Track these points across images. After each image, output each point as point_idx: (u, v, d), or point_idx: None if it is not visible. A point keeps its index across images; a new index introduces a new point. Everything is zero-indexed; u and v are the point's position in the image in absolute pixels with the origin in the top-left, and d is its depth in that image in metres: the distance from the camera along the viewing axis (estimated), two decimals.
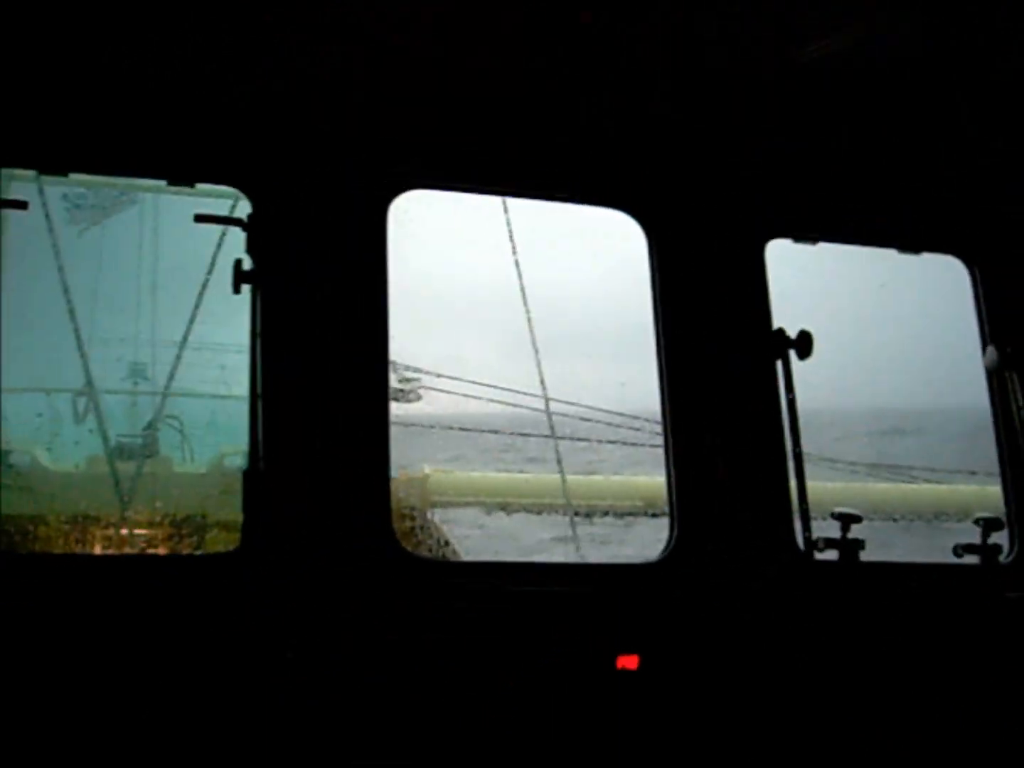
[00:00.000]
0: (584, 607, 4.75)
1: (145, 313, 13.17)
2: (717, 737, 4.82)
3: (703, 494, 4.98)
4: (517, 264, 9.30)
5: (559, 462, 9.64)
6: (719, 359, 5.10)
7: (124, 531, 10.23)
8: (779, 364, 5.17)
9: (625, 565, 4.96)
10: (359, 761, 4.37)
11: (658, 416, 5.18)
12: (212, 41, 4.28)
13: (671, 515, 4.99)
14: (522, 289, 9.38)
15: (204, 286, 9.57)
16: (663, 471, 5.09)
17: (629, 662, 4.68)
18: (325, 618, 4.43)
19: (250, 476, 4.49)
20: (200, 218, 4.76)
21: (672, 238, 5.15)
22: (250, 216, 4.67)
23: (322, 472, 4.52)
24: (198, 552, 9.81)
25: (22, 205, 4.68)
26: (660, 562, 4.94)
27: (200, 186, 4.92)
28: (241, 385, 13.79)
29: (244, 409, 12.66)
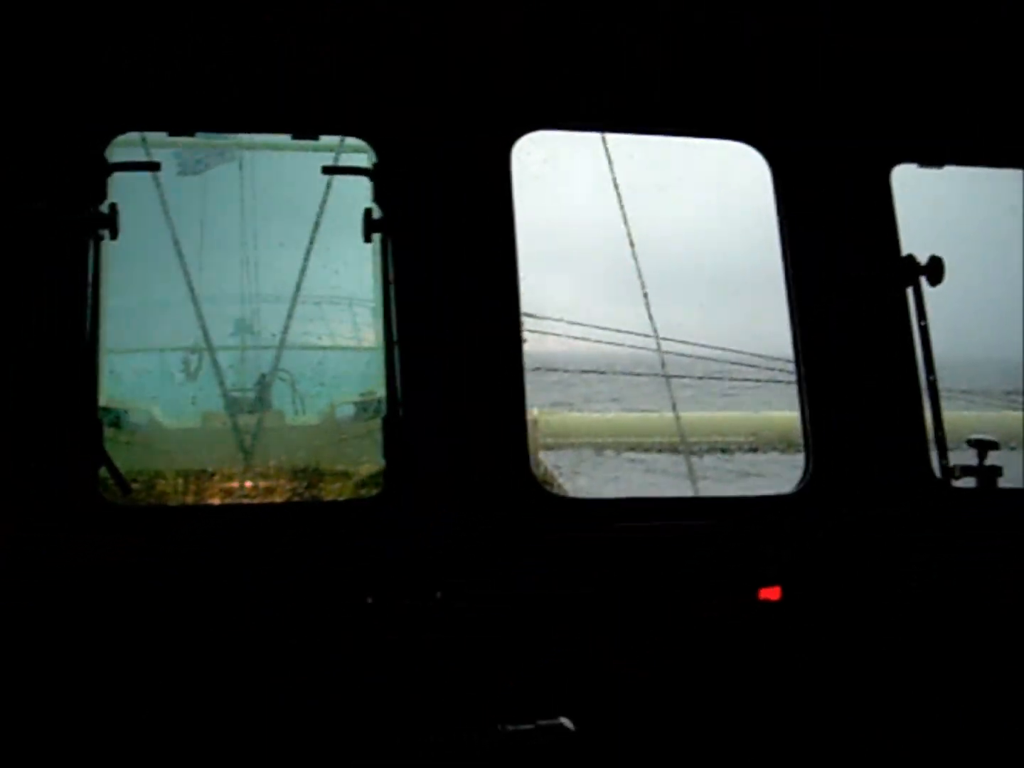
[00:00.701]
0: (723, 540, 4.76)
1: (249, 269, 13.36)
2: (860, 667, 4.82)
3: (838, 425, 4.94)
4: (622, 205, 9.22)
5: (672, 400, 9.63)
6: (849, 289, 5.03)
7: (248, 484, 10.46)
8: (910, 292, 5.09)
9: (762, 497, 4.96)
10: (512, 709, 4.45)
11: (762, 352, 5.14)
12: None
13: (806, 447, 4.97)
14: (628, 232, 9.32)
15: (312, 239, 9.66)
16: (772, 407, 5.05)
17: (771, 593, 4.70)
18: (469, 559, 4.50)
19: (390, 423, 4.56)
20: (327, 169, 4.82)
21: (796, 167, 5.07)
22: (375, 165, 4.71)
23: (460, 415, 4.58)
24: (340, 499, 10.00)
25: (155, 166, 4.76)
26: (797, 493, 4.93)
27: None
28: (344, 336, 14.08)
29: (349, 359, 12.86)
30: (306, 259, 9.84)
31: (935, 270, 5.07)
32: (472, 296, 4.64)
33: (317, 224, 9.59)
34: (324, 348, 13.20)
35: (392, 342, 4.59)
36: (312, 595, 4.37)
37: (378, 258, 10.75)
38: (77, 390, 4.39)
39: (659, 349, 9.63)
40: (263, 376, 11.76)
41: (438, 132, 4.72)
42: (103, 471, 4.46)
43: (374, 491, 10.85)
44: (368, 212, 4.64)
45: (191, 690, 4.33)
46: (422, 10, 4.60)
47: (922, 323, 5.09)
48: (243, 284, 13.50)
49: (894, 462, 4.97)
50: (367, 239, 4.66)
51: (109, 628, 4.31)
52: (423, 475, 4.52)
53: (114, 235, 4.56)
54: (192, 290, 9.86)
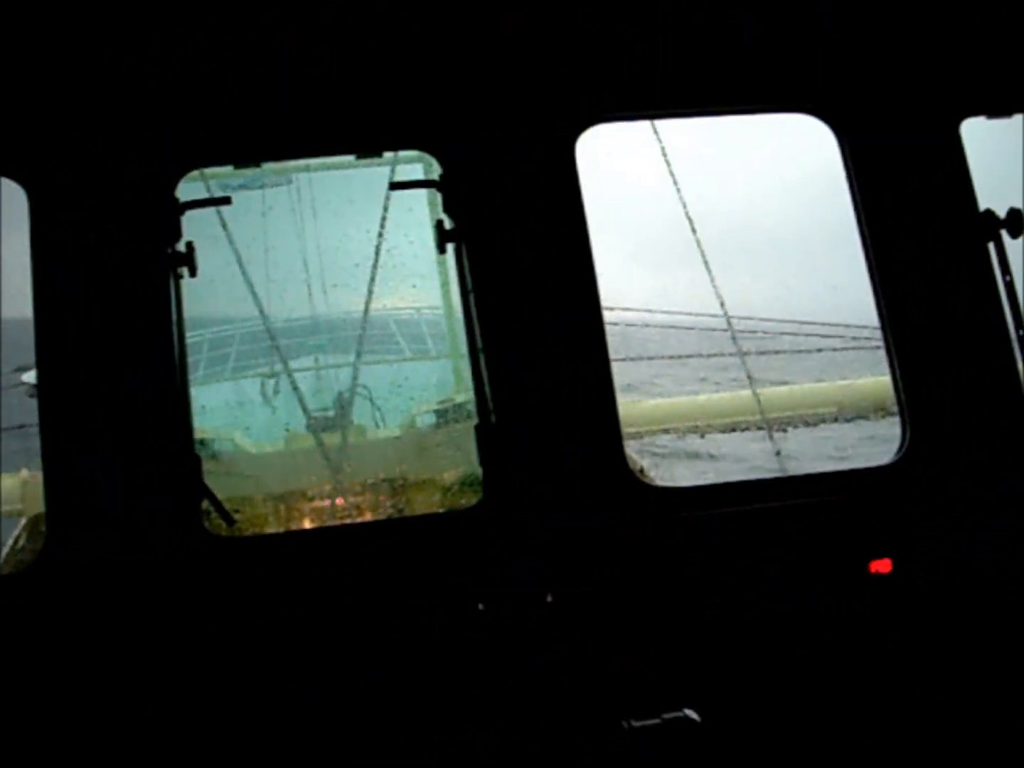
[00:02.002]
0: (827, 516, 4.72)
1: (315, 290, 13.49)
2: (974, 635, 4.75)
3: (932, 390, 4.87)
4: (677, 187, 9.17)
5: (749, 376, 9.53)
6: (930, 249, 4.95)
7: (339, 501, 10.56)
8: (991, 246, 5.00)
9: (861, 470, 4.89)
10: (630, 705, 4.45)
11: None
12: None
13: (902, 416, 4.90)
14: (685, 210, 9.26)
15: (376, 255, 9.72)
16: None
17: (882, 566, 4.65)
18: (575, 559, 4.51)
19: (483, 430, 4.58)
20: (395, 185, 4.90)
21: (864, 132, 5.01)
22: (442, 176, 4.73)
23: (551, 417, 4.58)
24: (441, 511, 10.06)
25: (226, 201, 4.83)
26: (896, 464, 4.86)
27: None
28: (416, 344, 14.13)
29: (424, 367, 12.89)
30: (373, 274, 9.91)
31: (1015, 222, 4.98)
32: (551, 295, 4.65)
33: (380, 235, 9.65)
34: (399, 360, 13.28)
35: (477, 350, 4.60)
36: (424, 608, 4.40)
37: (443, 266, 10.81)
38: (173, 425, 4.47)
39: (730, 328, 9.54)
40: (341, 394, 11.87)
41: (500, 136, 4.73)
42: (205, 503, 4.54)
43: (461, 495, 11.05)
44: (440, 223, 4.67)
45: (306, 716, 4.38)
46: (470, 18, 4.62)
47: (1007, 277, 4.99)
48: (311, 303, 13.63)
49: (992, 424, 4.89)
50: (441, 250, 4.70)
51: (218, 658, 4.38)
52: (521, 479, 4.54)
53: (192, 273, 4.63)
54: (263, 315, 9.96)
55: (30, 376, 12.58)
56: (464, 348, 12.57)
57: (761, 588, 4.59)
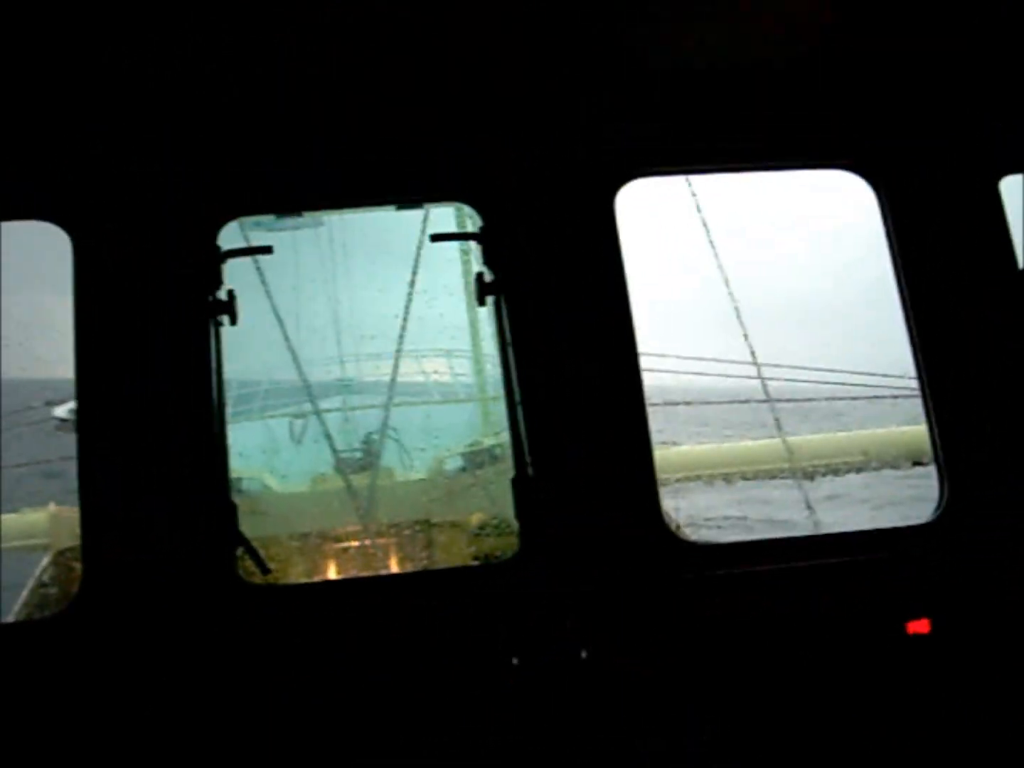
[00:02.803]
0: (863, 575, 4.67)
1: (344, 332, 13.54)
2: (1016, 699, 4.68)
3: (970, 447, 4.83)
4: (712, 243, 9.19)
5: (776, 421, 9.49)
6: (969, 305, 4.94)
7: (367, 541, 10.55)
8: None
9: (899, 528, 4.85)
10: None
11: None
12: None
13: (939, 473, 4.86)
14: (720, 266, 9.27)
15: (409, 296, 9.76)
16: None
17: (920, 627, 4.59)
18: (611, 615, 4.48)
19: (520, 482, 4.57)
20: (436, 237, 4.90)
21: (903, 188, 5.01)
22: (482, 228, 4.76)
23: (589, 470, 4.57)
24: (474, 562, 10.04)
25: (267, 250, 4.87)
26: (934, 522, 4.82)
27: None
28: (445, 388, 14.17)
29: (452, 411, 12.89)
30: (405, 317, 9.94)
31: None
32: (590, 349, 4.65)
33: (413, 282, 9.70)
34: (428, 403, 13.29)
35: (515, 402, 4.60)
36: (458, 660, 4.38)
37: (472, 311, 10.82)
38: (210, 472, 4.48)
39: (760, 375, 9.53)
40: (369, 435, 11.88)
41: (541, 189, 4.75)
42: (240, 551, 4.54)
43: (486, 539, 11.01)
44: (480, 276, 4.69)
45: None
46: (512, 73, 4.65)
47: None
48: (340, 344, 13.68)
49: None
50: (480, 303, 4.71)
51: (253, 707, 4.37)
52: (557, 532, 4.52)
53: (233, 321, 4.66)
54: (295, 356, 9.99)
55: (61, 411, 12.68)
56: (492, 392, 12.67)
57: (797, 648, 4.55)
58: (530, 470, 4.55)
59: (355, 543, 10.82)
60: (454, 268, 11.89)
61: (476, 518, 11.54)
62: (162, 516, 4.42)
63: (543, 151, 4.79)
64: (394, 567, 10.58)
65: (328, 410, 12.19)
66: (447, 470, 11.78)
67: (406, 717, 4.37)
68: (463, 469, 11.71)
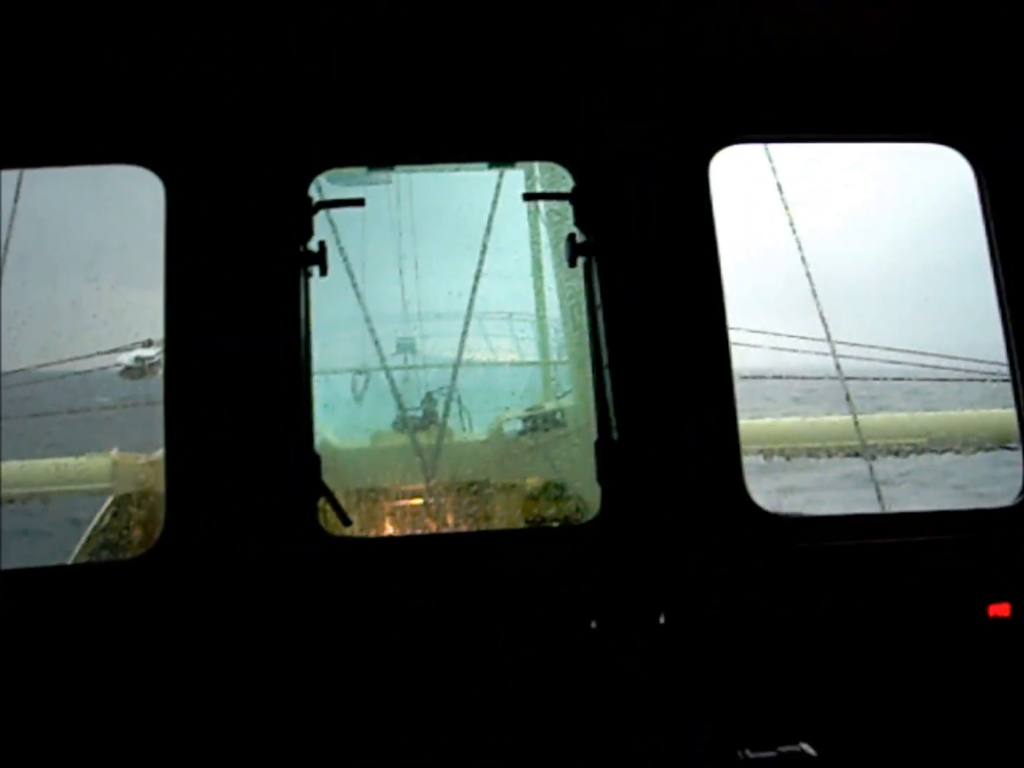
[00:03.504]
0: (945, 556, 4.62)
1: (409, 289, 13.54)
2: None
3: None
4: (789, 213, 9.04)
5: (848, 397, 9.35)
6: None
7: (423, 501, 10.59)
8: None
9: (983, 510, 4.79)
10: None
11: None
12: None
13: None
14: (797, 240, 9.13)
15: (481, 257, 9.73)
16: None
17: (1001, 610, 4.54)
18: (690, 582, 4.46)
19: (603, 446, 4.55)
20: (528, 196, 4.89)
21: (1001, 162, 4.90)
22: (575, 189, 4.71)
23: (673, 435, 4.54)
24: (554, 524, 10.06)
25: (359, 203, 4.85)
26: (1018, 506, 4.76)
27: None
28: (505, 351, 14.15)
29: (513, 373, 12.86)
30: (477, 277, 9.91)
31: None
32: (680, 315, 4.61)
33: (485, 245, 9.66)
34: (489, 364, 13.29)
35: (602, 365, 4.57)
36: (537, 620, 4.38)
37: (539, 273, 10.73)
38: (295, 423, 4.50)
39: (833, 352, 9.40)
40: (429, 394, 11.89)
41: (636, 152, 4.69)
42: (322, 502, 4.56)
43: (542, 504, 11.01)
44: (572, 236, 4.66)
45: (408, 718, 4.39)
46: (614, 34, 4.59)
47: None
48: (403, 303, 13.68)
49: None
50: (571, 264, 4.68)
51: (325, 656, 4.40)
52: (639, 498, 4.50)
53: (323, 272, 4.66)
54: (365, 311, 9.99)
55: (126, 358, 12.82)
56: (556, 356, 12.63)
57: (876, 625, 4.51)
58: (615, 434, 4.52)
59: (412, 501, 10.87)
60: (520, 232, 11.85)
61: (532, 482, 11.54)
62: (246, 464, 4.44)
63: (640, 114, 4.73)
64: (449, 526, 10.61)
65: (400, 367, 12.22)
66: (507, 432, 11.77)
67: (484, 672, 4.38)
68: (522, 432, 11.70)
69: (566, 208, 8.81)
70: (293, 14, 4.18)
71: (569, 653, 4.38)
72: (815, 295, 8.88)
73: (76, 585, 4.49)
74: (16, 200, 7.83)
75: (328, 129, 4.67)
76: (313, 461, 4.50)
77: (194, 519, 4.43)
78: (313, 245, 4.64)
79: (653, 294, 4.61)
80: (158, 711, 4.30)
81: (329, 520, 4.63)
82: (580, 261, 4.69)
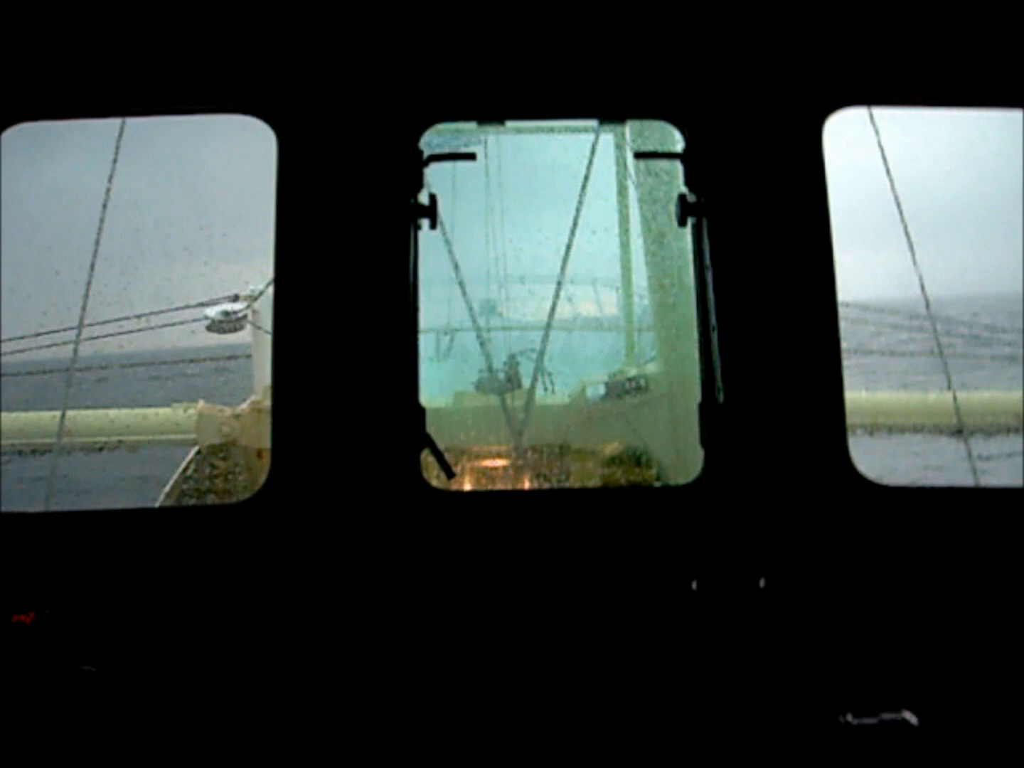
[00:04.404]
0: None
1: (492, 251, 13.55)
2: None
3: None
4: (891, 181, 8.83)
5: (947, 374, 9.10)
6: None
7: (504, 462, 10.64)
8: None
9: None
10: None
11: None
12: None
13: None
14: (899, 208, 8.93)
15: (575, 221, 9.70)
16: None
17: None
18: (791, 547, 4.45)
19: (708, 408, 4.54)
20: (639, 155, 4.86)
21: None
22: (685, 149, 4.67)
23: (779, 401, 4.51)
24: (657, 484, 10.08)
25: (471, 156, 4.86)
26: None
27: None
28: (589, 315, 14.13)
29: (597, 338, 12.87)
30: (570, 242, 9.88)
31: None
32: (790, 279, 4.56)
33: (579, 207, 9.61)
34: (571, 328, 13.29)
35: (709, 327, 4.55)
36: (636, 579, 4.40)
37: (626, 237, 10.64)
38: (402, 374, 4.53)
39: (931, 319, 9.17)
40: (512, 356, 11.92)
41: (748, 112, 4.64)
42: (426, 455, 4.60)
43: (622, 469, 11.01)
44: (683, 197, 4.62)
45: (507, 677, 4.43)
46: None
47: None
48: (487, 264, 13.70)
49: None
50: (682, 223, 4.64)
51: (430, 611, 4.45)
52: (742, 461, 4.49)
53: (433, 224, 4.67)
54: (458, 272, 10.01)
55: (212, 311, 13.00)
56: (641, 323, 12.58)
57: (978, 597, 4.46)
58: (720, 396, 4.50)
59: (493, 462, 10.93)
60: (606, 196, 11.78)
61: (611, 448, 11.54)
62: (351, 413, 4.49)
63: (753, 74, 4.67)
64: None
65: (490, 328, 12.24)
66: (589, 397, 11.78)
67: (584, 630, 4.41)
68: (605, 397, 11.70)
69: (659, 171, 8.82)
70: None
71: (669, 613, 4.38)
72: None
73: (177, 526, 4.60)
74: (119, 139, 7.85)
75: (440, 82, 4.67)
76: (418, 413, 4.53)
77: (298, 467, 4.49)
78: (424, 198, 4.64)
79: (763, 257, 4.56)
80: (252, 658, 4.39)
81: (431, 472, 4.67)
82: (689, 222, 4.65)
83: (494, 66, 4.69)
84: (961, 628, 4.44)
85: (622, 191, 11.77)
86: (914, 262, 8.16)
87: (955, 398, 8.67)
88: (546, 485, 10.60)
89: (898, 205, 8.21)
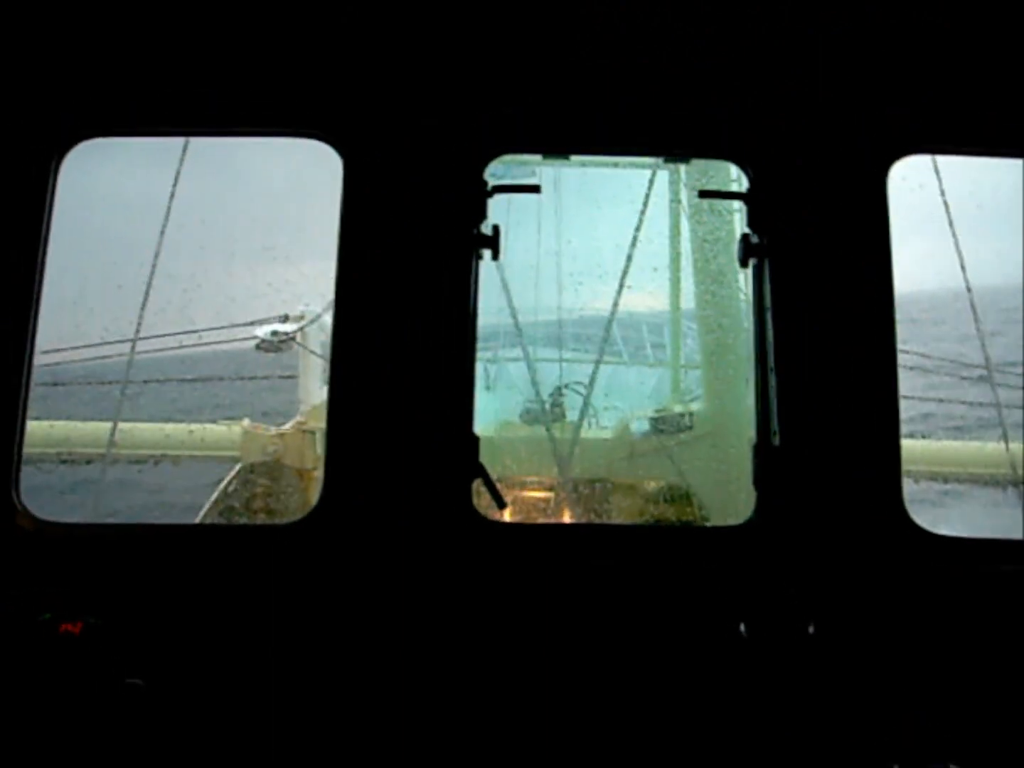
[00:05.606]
0: None
1: (544, 283, 13.60)
2: None
3: None
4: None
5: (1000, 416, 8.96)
6: None
7: (546, 494, 10.64)
8: None
9: None
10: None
11: None
12: None
13: None
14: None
15: (628, 262, 9.72)
16: None
17: None
18: (842, 594, 4.41)
19: (763, 450, 4.52)
20: (704, 193, 4.84)
21: None
22: (750, 189, 4.68)
23: (834, 445, 4.48)
24: (708, 524, 10.05)
25: (535, 189, 4.88)
26: None
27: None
28: (633, 353, 14.13)
29: (642, 375, 12.85)
30: (623, 279, 9.89)
31: None
32: (850, 324, 4.54)
33: (634, 242, 9.63)
34: (617, 363, 13.30)
35: (767, 368, 4.53)
36: (684, 619, 4.37)
37: (676, 274, 10.65)
38: (458, 403, 4.54)
39: (992, 381, 9.06)
40: (558, 388, 11.95)
41: (814, 156, 4.64)
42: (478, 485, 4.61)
43: (663, 506, 10.96)
44: (746, 237, 4.62)
45: (547, 711, 4.41)
46: (802, 32, 4.55)
47: None
48: (536, 297, 13.74)
49: None
50: (744, 264, 4.64)
51: (476, 643, 4.43)
52: (796, 504, 4.46)
53: (495, 255, 4.69)
54: (509, 300, 10.04)
55: (262, 331, 13.11)
56: (689, 359, 12.57)
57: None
58: (776, 439, 4.48)
59: (534, 494, 10.92)
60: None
61: (653, 484, 11.52)
62: (405, 440, 4.50)
63: (820, 117, 4.67)
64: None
65: (544, 360, 12.27)
66: (633, 432, 11.77)
67: (629, 667, 4.39)
68: (649, 434, 11.68)
69: (721, 210, 8.82)
70: (614, 19, 4.20)
71: (716, 654, 4.35)
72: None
73: (226, 543, 4.62)
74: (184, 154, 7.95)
75: (507, 114, 4.70)
76: (472, 442, 4.54)
77: (350, 490, 4.51)
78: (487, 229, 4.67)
79: (824, 300, 4.55)
80: (294, 678, 4.40)
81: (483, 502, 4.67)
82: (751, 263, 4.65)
83: (561, 99, 4.72)
84: (1012, 681, 4.38)
85: (673, 233, 11.78)
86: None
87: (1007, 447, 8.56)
88: (588, 518, 10.58)
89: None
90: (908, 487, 4.67)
